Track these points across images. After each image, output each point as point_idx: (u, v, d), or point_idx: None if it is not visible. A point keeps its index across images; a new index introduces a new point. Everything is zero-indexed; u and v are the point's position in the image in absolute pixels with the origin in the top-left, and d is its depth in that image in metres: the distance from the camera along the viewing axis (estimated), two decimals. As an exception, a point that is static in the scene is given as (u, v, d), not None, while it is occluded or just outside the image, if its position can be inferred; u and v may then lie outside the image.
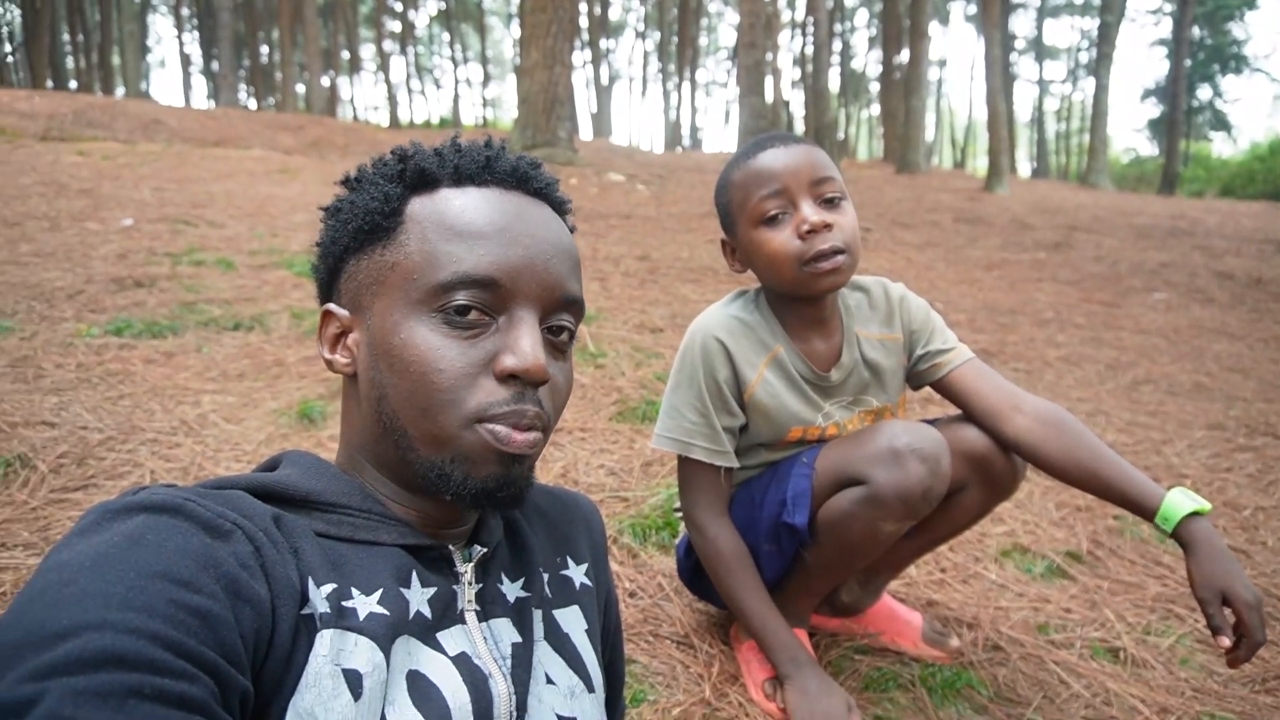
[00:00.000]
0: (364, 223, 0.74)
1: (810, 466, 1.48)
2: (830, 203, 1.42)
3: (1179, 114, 20.79)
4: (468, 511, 0.79)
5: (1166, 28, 34.39)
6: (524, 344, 0.70)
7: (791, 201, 1.40)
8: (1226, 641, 1.21)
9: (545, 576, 0.83)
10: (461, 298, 0.69)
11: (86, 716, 0.43)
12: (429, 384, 0.69)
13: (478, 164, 0.75)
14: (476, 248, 0.70)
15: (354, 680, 0.61)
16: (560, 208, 0.81)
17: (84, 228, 4.90)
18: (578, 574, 0.88)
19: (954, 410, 1.61)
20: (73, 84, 29.81)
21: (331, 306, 0.77)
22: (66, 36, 31.52)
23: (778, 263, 1.42)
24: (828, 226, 1.39)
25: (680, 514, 1.62)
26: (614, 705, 0.96)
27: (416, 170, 0.74)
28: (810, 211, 1.39)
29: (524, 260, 0.71)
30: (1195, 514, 1.28)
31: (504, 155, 0.76)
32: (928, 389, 1.66)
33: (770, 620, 1.49)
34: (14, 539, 1.79)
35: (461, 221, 0.71)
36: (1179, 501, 1.29)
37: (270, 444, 2.41)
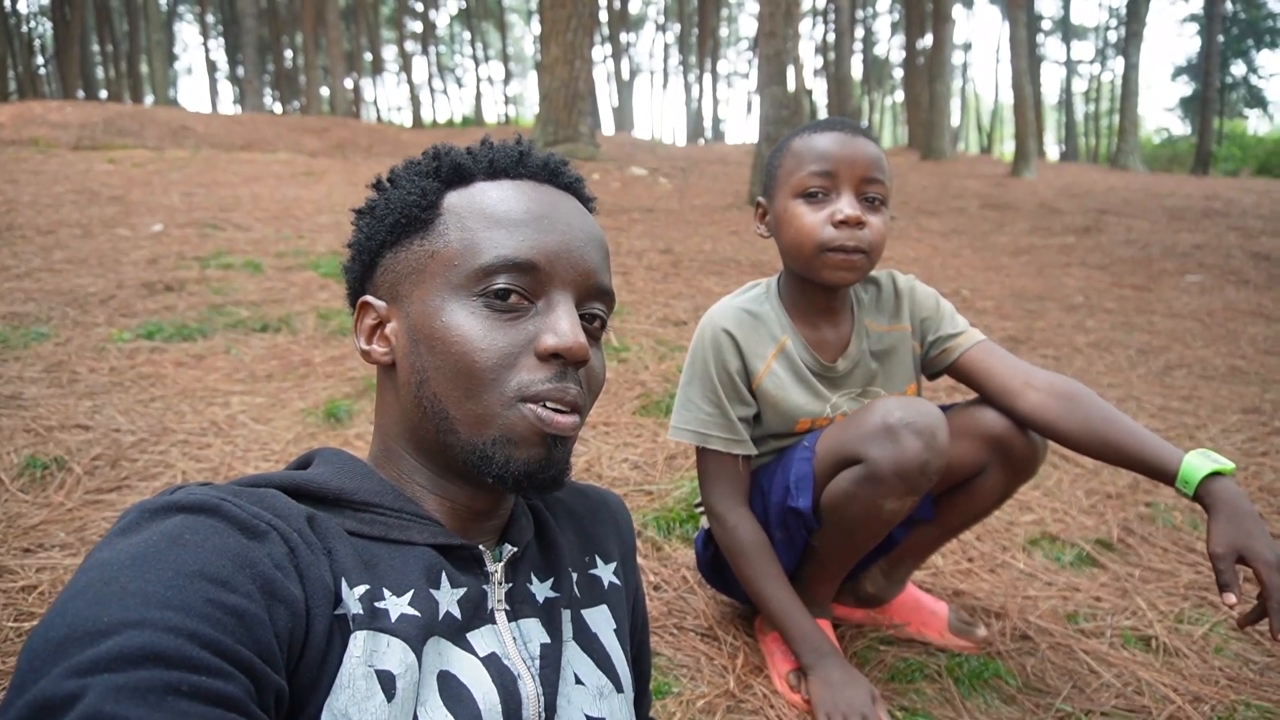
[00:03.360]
0: (401, 216, 0.76)
1: (811, 450, 1.48)
2: (870, 203, 1.44)
3: (1212, 91, 20.36)
4: (508, 495, 0.79)
5: (1198, 3, 33.68)
6: (563, 324, 0.71)
7: (836, 187, 1.43)
8: (1231, 598, 1.15)
9: (574, 576, 0.83)
10: (502, 281, 0.71)
11: (127, 712, 0.44)
12: (471, 364, 0.70)
13: (511, 159, 0.77)
14: (516, 233, 0.72)
15: (387, 681, 0.61)
16: (586, 205, 0.83)
17: (115, 234, 5.00)
18: (606, 573, 0.88)
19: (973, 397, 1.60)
20: (103, 93, 30.33)
21: (369, 298, 0.78)
22: (96, 47, 32.10)
23: (800, 239, 1.44)
24: (860, 224, 1.41)
25: (701, 509, 1.62)
26: (640, 699, 0.96)
27: (451, 166, 0.77)
28: (848, 204, 1.41)
29: (561, 245, 0.74)
30: (1217, 474, 1.25)
31: (534, 151, 0.79)
32: (948, 380, 1.65)
33: (792, 610, 1.49)
34: (51, 540, 1.84)
35: (500, 210, 0.74)
36: (1198, 463, 1.26)
37: (298, 443, 2.44)
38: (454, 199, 0.76)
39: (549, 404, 0.71)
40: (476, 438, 0.71)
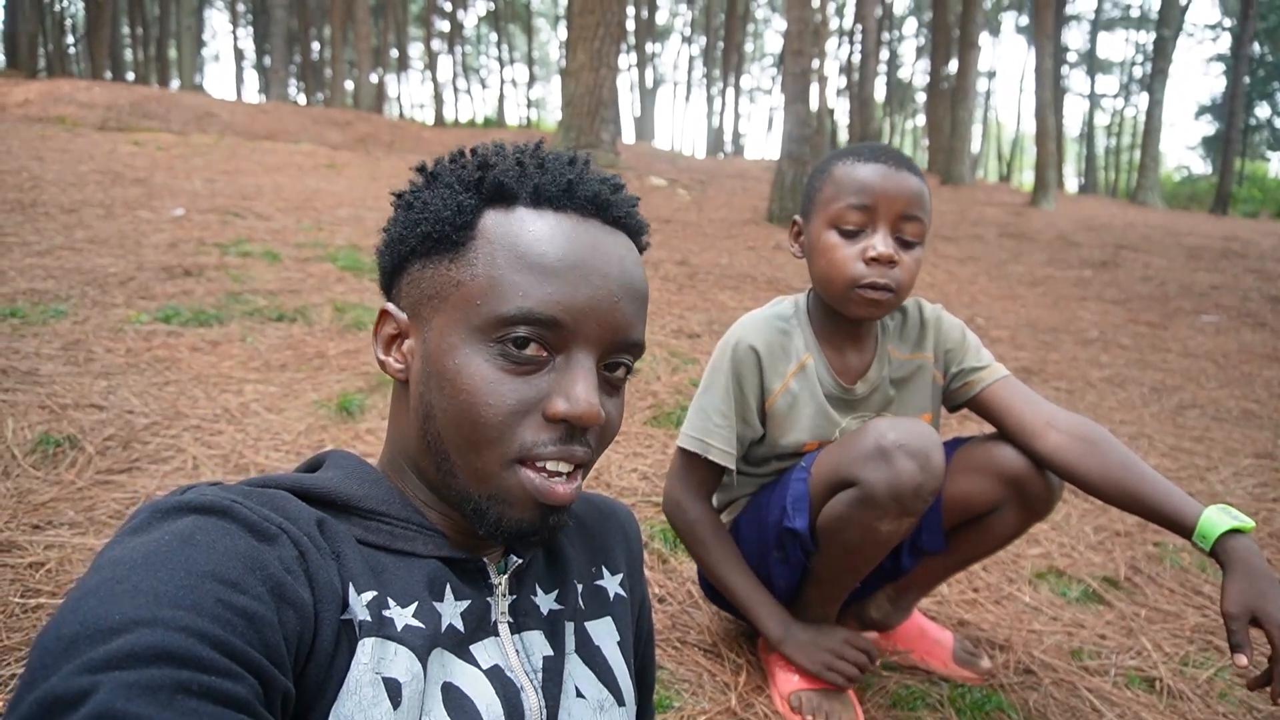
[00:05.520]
0: (434, 229, 0.72)
1: (807, 470, 1.47)
2: (905, 243, 1.43)
3: (1235, 132, 20.24)
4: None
5: (1225, 43, 33.68)
6: (578, 389, 0.68)
7: (872, 223, 1.42)
8: (1243, 660, 1.14)
9: (579, 588, 0.83)
10: (522, 331, 0.68)
11: (137, 710, 0.45)
12: (477, 416, 0.68)
13: (559, 186, 0.72)
14: (545, 284, 0.68)
15: (393, 689, 0.62)
16: (638, 232, 0.79)
17: (137, 216, 5.03)
18: (612, 584, 0.87)
19: (991, 430, 1.59)
20: (130, 75, 30.53)
21: (390, 308, 0.76)
22: (126, 29, 32.37)
23: (832, 273, 1.45)
24: (892, 263, 1.41)
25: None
26: (642, 712, 0.96)
27: (495, 184, 0.72)
28: (882, 242, 1.41)
29: (590, 303, 0.69)
30: (1236, 531, 1.24)
31: (586, 178, 0.74)
32: (965, 411, 1.64)
33: (754, 591, 1.54)
34: (60, 517, 1.84)
35: (534, 252, 0.69)
36: (1217, 519, 1.25)
37: (310, 434, 2.45)
38: (490, 223, 0.71)
39: (549, 466, 0.69)
40: (472, 490, 0.70)
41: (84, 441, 2.18)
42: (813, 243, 1.49)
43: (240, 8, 37.76)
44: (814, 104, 8.18)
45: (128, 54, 32.58)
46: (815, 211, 1.49)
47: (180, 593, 0.51)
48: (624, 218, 0.76)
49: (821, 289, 1.51)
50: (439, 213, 0.72)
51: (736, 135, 40.28)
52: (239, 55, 38.52)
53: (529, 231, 0.70)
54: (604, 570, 0.87)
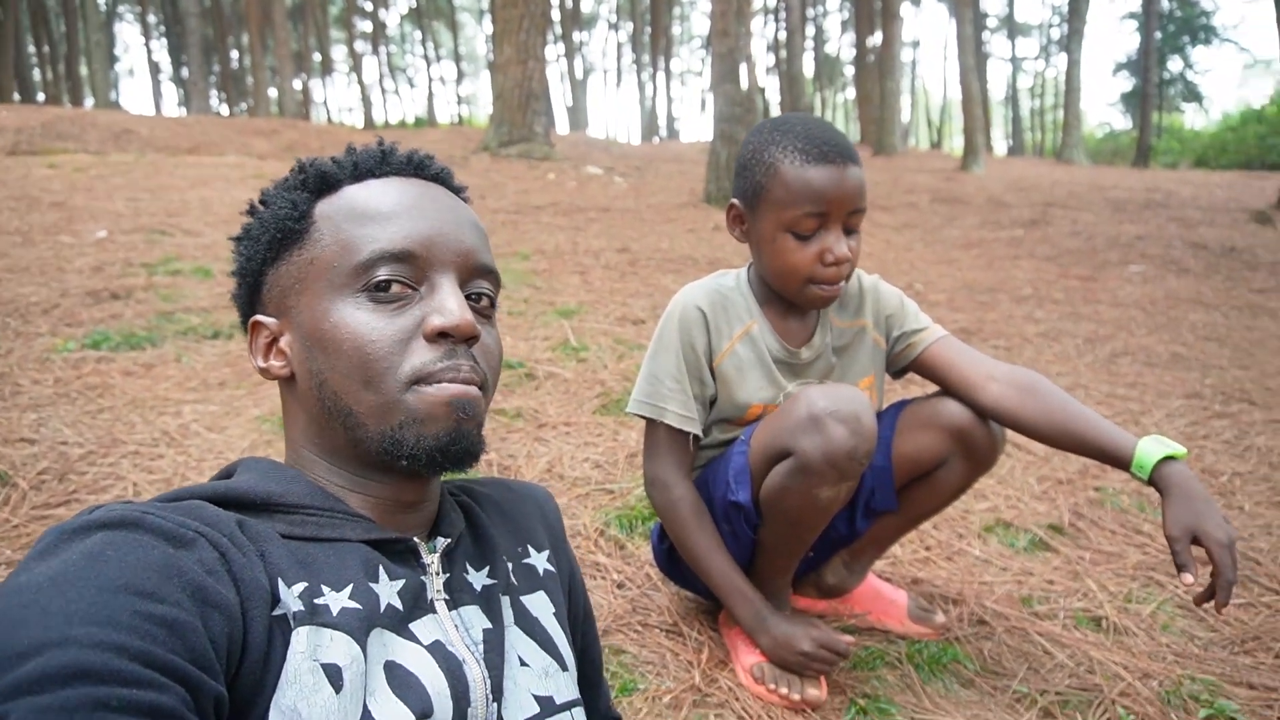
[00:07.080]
0: (276, 232, 0.77)
1: (746, 443, 1.49)
2: (850, 231, 1.46)
3: (1151, 87, 20.88)
4: (426, 475, 0.79)
5: (1136, 1, 34.60)
6: (449, 304, 0.73)
7: (825, 224, 1.44)
8: (1189, 578, 1.20)
9: (509, 565, 0.85)
10: (382, 273, 0.73)
11: None
12: (364, 355, 0.72)
13: (374, 159, 0.80)
14: (389, 226, 0.74)
15: (333, 674, 0.62)
16: (458, 194, 0.85)
17: (57, 241, 4.85)
18: (540, 561, 0.90)
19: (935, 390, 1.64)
20: (40, 96, 29.40)
21: (259, 317, 0.79)
22: (32, 48, 31.08)
23: (788, 272, 1.47)
24: (848, 261, 1.44)
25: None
26: (596, 688, 0.98)
27: (317, 175, 0.79)
28: (838, 244, 1.43)
29: (435, 230, 0.75)
30: (1170, 459, 1.30)
31: (397, 149, 0.82)
32: (911, 375, 1.68)
33: (730, 577, 1.53)
34: (-3, 557, 1.78)
35: (370, 207, 0.76)
36: (1151, 448, 1.31)
37: (254, 451, 2.40)
38: (324, 206, 0.77)
39: (445, 381, 0.72)
40: (384, 425, 0.72)
41: (16, 477, 2.11)
42: (762, 238, 1.49)
43: (151, 19, 36.55)
44: (744, 83, 8.20)
45: (36, 74, 31.32)
46: (764, 209, 1.47)
47: (92, 609, 0.50)
48: (441, 174, 0.83)
49: (773, 282, 1.53)
50: (277, 215, 0.78)
51: (670, 119, 40.33)
52: (155, 69, 37.28)
53: (360, 196, 0.77)
54: (530, 549, 0.90)
